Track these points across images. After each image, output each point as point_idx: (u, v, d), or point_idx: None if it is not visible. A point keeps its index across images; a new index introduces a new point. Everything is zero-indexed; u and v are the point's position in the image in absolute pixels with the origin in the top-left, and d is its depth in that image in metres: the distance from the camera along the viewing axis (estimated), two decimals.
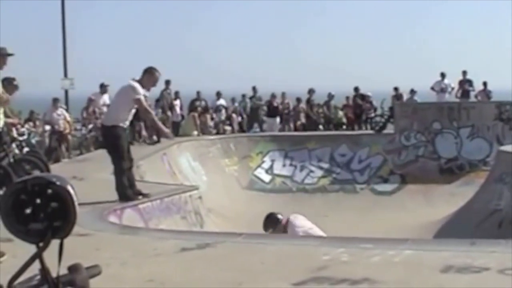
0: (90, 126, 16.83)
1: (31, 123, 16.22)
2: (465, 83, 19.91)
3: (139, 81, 8.20)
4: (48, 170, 9.08)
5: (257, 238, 6.24)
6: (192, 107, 19.00)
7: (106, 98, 17.05)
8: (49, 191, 1.42)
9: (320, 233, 7.28)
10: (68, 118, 16.73)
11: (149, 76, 8.24)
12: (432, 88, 19.94)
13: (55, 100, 16.61)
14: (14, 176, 7.33)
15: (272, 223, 7.38)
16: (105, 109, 16.90)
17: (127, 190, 8.25)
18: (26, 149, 10.97)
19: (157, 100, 17.89)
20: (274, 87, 20.78)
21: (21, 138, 11.28)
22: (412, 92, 20.05)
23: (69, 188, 1.44)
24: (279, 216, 7.45)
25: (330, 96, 20.49)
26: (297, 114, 20.16)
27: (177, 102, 18.97)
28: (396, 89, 20.34)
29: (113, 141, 8.18)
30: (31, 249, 1.41)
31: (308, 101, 20.20)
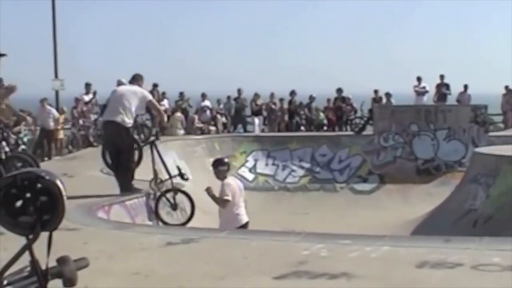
0: (79, 124, 17.09)
1: (28, 120, 16.33)
2: (443, 87, 20.27)
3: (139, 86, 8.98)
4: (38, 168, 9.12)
5: (239, 234, 6.38)
6: (175, 107, 19.35)
7: (87, 98, 17.36)
8: (39, 185, 1.45)
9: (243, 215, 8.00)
10: (57, 115, 16.97)
11: (142, 80, 9.19)
12: (416, 91, 20.27)
13: (43, 100, 16.84)
14: (4, 172, 7.39)
15: (218, 164, 8.20)
16: (85, 107, 17.13)
17: (131, 184, 8.78)
18: (22, 147, 11.09)
19: None
20: (258, 88, 21.01)
21: (14, 136, 11.36)
22: (388, 95, 20.36)
23: (58, 182, 1.46)
24: (226, 160, 8.49)
25: (312, 98, 20.74)
26: (281, 115, 20.43)
27: (164, 103, 19.32)
28: (376, 91, 20.63)
29: (129, 142, 8.73)
30: (21, 242, 1.45)
31: (290, 103, 20.45)
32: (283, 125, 20.36)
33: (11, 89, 7.36)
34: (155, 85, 19.26)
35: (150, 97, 9.06)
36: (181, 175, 9.05)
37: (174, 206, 9.14)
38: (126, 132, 8.69)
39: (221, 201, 7.99)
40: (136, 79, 9.13)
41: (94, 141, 16.32)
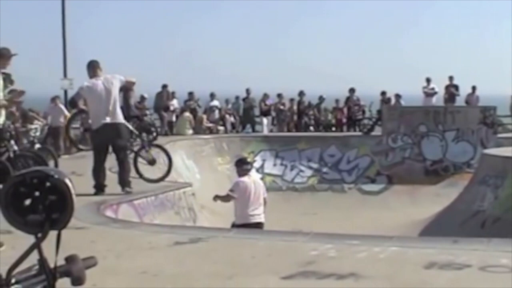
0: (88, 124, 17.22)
1: (42, 121, 16.44)
2: (451, 88, 20.21)
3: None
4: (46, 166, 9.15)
5: (247, 233, 6.38)
6: (184, 107, 19.44)
7: None
8: (48, 184, 1.44)
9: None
10: (66, 113, 17.07)
11: (100, 66, 8.72)
12: (425, 92, 20.25)
13: (55, 98, 17.01)
14: (12, 171, 7.43)
15: (242, 163, 8.38)
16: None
17: (129, 181, 8.73)
18: (37, 146, 11.17)
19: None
20: (267, 89, 21.00)
21: (33, 134, 11.44)
22: (397, 96, 20.34)
23: (67, 181, 1.45)
24: (249, 160, 8.97)
25: (321, 99, 20.74)
26: (290, 115, 20.44)
27: (173, 102, 19.40)
28: (384, 93, 20.59)
29: (127, 140, 8.68)
30: (29, 241, 1.45)
31: (299, 103, 20.46)
32: (292, 125, 20.38)
33: (19, 94, 7.45)
34: (164, 86, 19.38)
35: (122, 77, 8.60)
36: (147, 130, 9.11)
37: (151, 162, 9.26)
38: (126, 129, 8.64)
39: (223, 197, 8.02)
40: (96, 67, 8.59)
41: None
